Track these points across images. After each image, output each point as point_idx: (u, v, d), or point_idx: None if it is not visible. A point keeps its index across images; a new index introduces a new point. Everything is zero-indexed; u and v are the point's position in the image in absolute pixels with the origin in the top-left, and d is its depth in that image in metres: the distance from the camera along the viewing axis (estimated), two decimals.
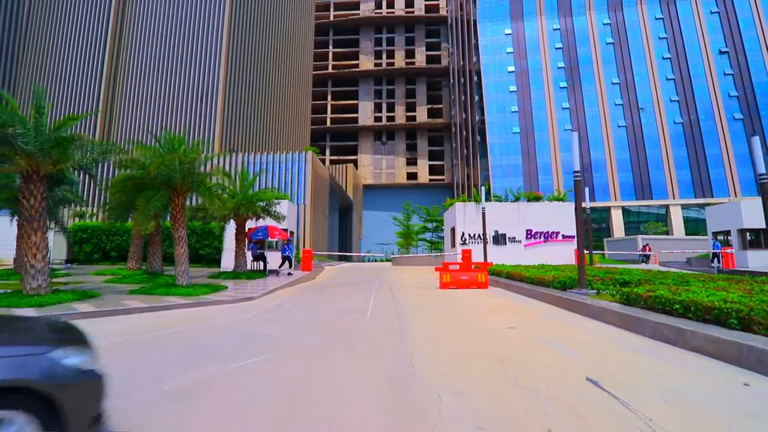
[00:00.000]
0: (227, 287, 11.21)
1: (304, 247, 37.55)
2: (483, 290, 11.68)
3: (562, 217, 19.42)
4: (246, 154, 40.84)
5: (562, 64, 64.39)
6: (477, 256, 18.28)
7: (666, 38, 61.47)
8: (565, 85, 63.49)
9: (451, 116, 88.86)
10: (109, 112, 50.66)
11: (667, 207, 56.40)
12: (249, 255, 15.98)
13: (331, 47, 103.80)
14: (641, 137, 59.19)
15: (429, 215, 36.99)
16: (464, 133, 77.96)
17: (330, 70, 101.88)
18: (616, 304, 6.62)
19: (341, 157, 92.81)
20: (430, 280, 15.72)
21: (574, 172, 8.76)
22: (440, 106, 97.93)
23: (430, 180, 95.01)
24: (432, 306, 8.56)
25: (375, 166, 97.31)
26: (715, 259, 17.71)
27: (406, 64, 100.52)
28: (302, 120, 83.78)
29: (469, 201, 19.77)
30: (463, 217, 19.21)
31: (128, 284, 11.27)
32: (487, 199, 19.75)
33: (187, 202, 12.09)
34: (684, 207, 56.16)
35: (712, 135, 56.78)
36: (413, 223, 38.88)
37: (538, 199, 19.84)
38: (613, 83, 61.87)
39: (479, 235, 19.10)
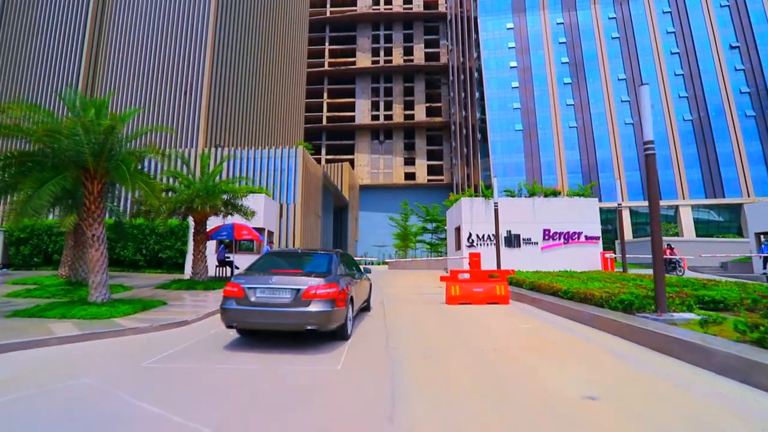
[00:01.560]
0: (166, 303, 8.42)
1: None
2: (503, 307, 8.92)
3: (584, 215, 16.71)
4: (232, 149, 38.02)
5: (566, 60, 62.07)
6: (487, 261, 15.54)
7: (674, 33, 59.25)
8: (570, 81, 61.15)
9: (450, 115, 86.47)
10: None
11: (676, 207, 53.94)
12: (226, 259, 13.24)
13: (327, 44, 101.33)
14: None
15: (429, 215, 34.25)
16: (464, 131, 75.54)
17: (326, 67, 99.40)
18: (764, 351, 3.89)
19: (337, 157, 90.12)
20: (432, 290, 12.94)
21: (645, 142, 6.02)
22: (439, 104, 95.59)
23: (429, 180, 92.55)
24: (441, 339, 5.80)
25: (372, 165, 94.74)
26: None
27: (405, 61, 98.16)
28: (295, 116, 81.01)
29: (477, 196, 17.03)
30: (470, 214, 16.46)
31: (34, 299, 8.47)
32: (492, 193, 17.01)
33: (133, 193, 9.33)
34: (694, 208, 53.70)
35: (723, 133, 54.47)
36: (411, 223, 36.14)
37: (556, 194, 17.11)
38: (619, 79, 59.59)
39: (489, 235, 16.36)
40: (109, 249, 15.49)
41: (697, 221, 53.76)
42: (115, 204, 10.71)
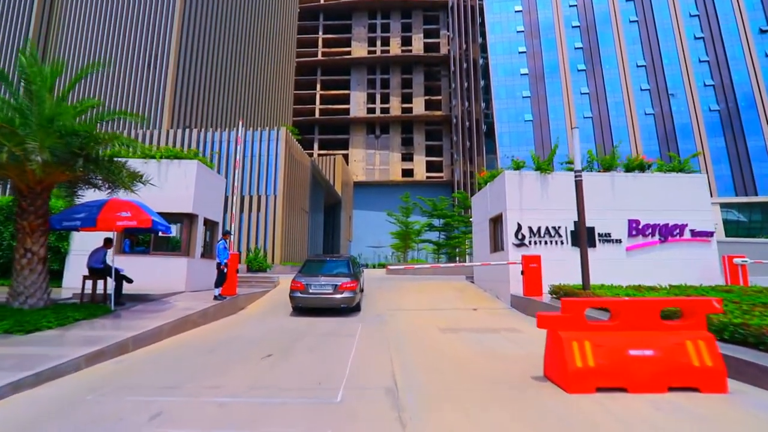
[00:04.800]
0: None
1: (264, 251, 28.81)
2: (746, 424, 3.17)
3: (689, 199, 11.13)
4: (203, 131, 32.05)
5: (579, 45, 57.07)
6: (550, 269, 9.88)
7: (698, 16, 54.43)
8: (584, 67, 56.13)
9: (451, 108, 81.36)
10: None
11: None
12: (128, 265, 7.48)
13: (320, 33, 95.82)
14: (672, 127, 52.11)
15: (436, 209, 28.58)
16: (467, 123, 70.25)
17: (319, 57, 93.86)
18: None
19: (331, 152, 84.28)
20: (475, 321, 7.24)
21: None
22: (439, 97, 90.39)
23: (428, 177, 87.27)
24: None
25: (367, 161, 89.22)
26: None
27: (402, 51, 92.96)
28: (283, 104, 74.98)
29: (524, 169, 11.35)
30: (518, 196, 10.75)
31: None
32: (544, 167, 11.33)
33: None
34: (723, 206, 48.61)
35: (754, 124, 49.67)
36: (413, 220, 30.46)
37: (643, 167, 11.49)
38: (638, 66, 54.70)
39: (549, 229, 10.71)
40: None
41: (725, 221, 48.58)
42: None
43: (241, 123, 10.94)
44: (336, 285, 8.60)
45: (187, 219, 9.91)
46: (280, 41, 72.63)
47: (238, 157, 11.26)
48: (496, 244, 11.75)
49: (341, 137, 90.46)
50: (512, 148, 54.78)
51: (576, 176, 8.12)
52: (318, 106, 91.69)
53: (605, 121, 53.31)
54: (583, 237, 7.93)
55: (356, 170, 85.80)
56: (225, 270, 8.34)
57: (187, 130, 31.94)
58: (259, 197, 30.80)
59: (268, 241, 29.97)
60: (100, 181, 7.13)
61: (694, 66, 52.60)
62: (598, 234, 10.83)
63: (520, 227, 10.58)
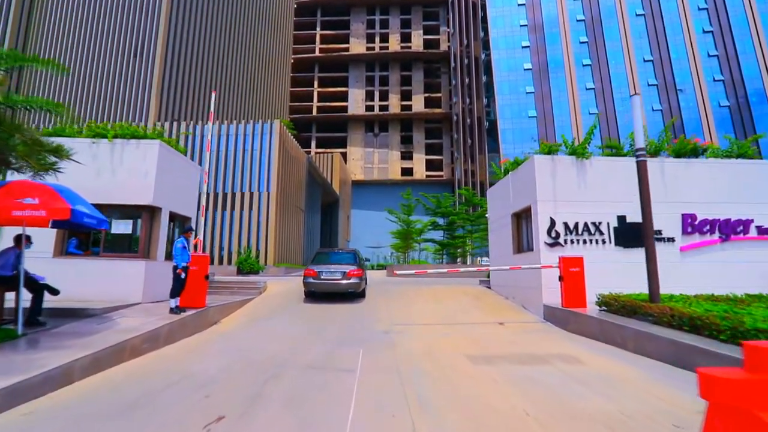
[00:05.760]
0: None
1: (257, 251, 26.91)
2: None
3: (751, 189, 9.34)
4: (192, 123, 30.13)
5: (584, 39, 55.47)
6: (591, 276, 8.07)
7: (707, 9, 52.96)
8: (589, 62, 54.55)
9: (452, 105, 79.75)
10: (17, 68, 39.32)
11: None
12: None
13: (318, 29, 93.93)
14: (680, 123, 50.75)
15: (440, 206, 26.74)
16: (468, 121, 68.50)
17: (317, 53, 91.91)
18: None
19: (328, 150, 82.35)
20: (514, 350, 5.30)
21: None
22: (439, 94, 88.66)
23: (427, 176, 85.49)
24: None
25: (366, 160, 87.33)
26: None
27: (402, 48, 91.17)
28: (279, 99, 72.99)
29: (557, 151, 9.51)
30: (551, 186, 8.90)
31: None
32: (575, 150, 9.49)
33: None
34: None
35: (766, 120, 48.20)
36: (415, 218, 28.64)
37: (697, 152, 9.67)
38: (645, 61, 53.19)
39: (589, 225, 8.88)
40: None
41: None
42: None
43: (214, 94, 9.07)
44: (344, 272, 10.01)
45: (146, 212, 8.01)
46: (276, 37, 70.74)
47: (210, 136, 9.31)
48: (521, 244, 9.90)
49: (339, 135, 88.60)
50: (516, 146, 53.15)
51: (637, 155, 6.30)
52: (315, 103, 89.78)
53: (611, 117, 51.77)
54: (650, 234, 6.13)
55: (354, 169, 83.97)
56: (183, 275, 6.48)
57: (175, 124, 30.02)
58: (251, 194, 28.93)
59: (261, 241, 28.08)
60: (12, 159, 5.24)
61: (703, 61, 51.13)
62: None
63: (553, 223, 8.73)
